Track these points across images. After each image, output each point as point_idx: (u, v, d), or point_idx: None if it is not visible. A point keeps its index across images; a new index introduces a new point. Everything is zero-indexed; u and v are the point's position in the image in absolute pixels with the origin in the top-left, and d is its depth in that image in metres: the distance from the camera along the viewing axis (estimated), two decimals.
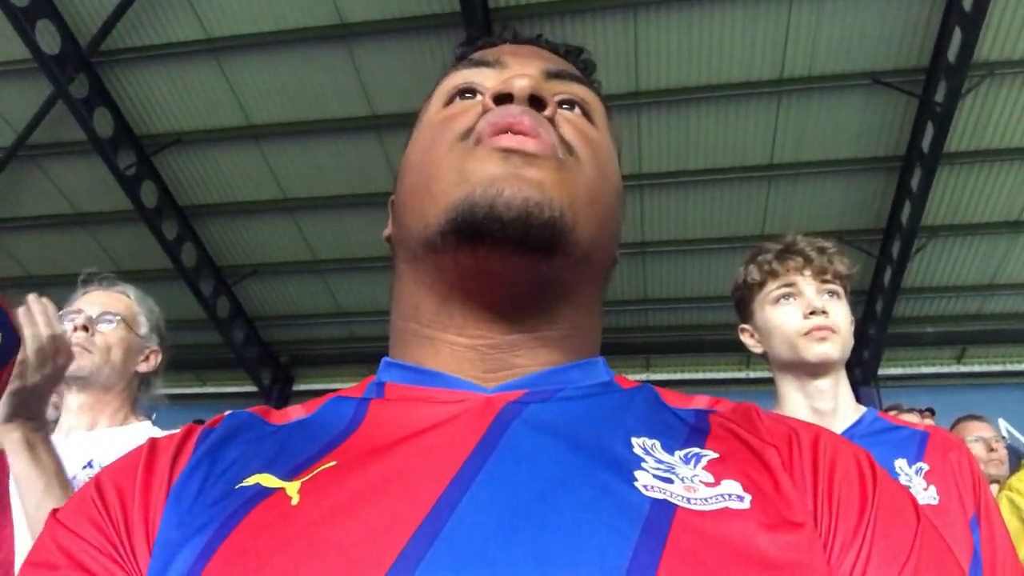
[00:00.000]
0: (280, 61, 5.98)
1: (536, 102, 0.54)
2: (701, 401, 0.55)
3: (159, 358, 1.64)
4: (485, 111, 0.54)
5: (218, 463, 0.48)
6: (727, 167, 6.28)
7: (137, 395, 1.60)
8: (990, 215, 6.63)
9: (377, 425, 0.49)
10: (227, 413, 0.55)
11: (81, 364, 1.41)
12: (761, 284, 1.42)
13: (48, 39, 5.64)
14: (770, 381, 1.44)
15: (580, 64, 0.65)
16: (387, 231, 0.64)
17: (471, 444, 0.45)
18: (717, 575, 0.37)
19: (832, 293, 1.38)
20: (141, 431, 1.50)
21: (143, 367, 1.59)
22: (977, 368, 8.08)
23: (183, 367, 8.86)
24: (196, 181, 7.09)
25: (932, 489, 1.22)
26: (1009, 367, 7.99)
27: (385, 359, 0.59)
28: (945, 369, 8.12)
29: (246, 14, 5.69)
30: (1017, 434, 7.43)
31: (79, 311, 1.52)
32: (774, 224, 6.80)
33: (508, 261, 0.49)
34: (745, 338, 1.47)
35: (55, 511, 0.49)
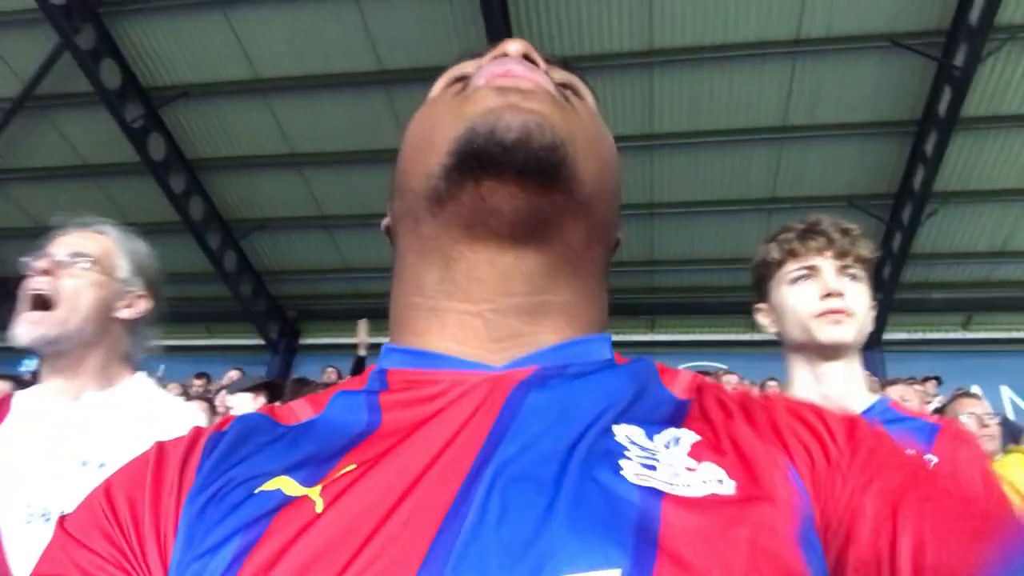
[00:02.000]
0: (288, 13, 5.90)
1: (529, 62, 0.55)
2: (685, 378, 0.54)
3: (147, 304, 1.40)
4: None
5: (233, 469, 0.47)
6: (739, 128, 6.20)
7: (126, 346, 1.38)
8: (1003, 182, 6.57)
9: (391, 421, 0.48)
10: (234, 417, 0.54)
11: (43, 333, 1.24)
12: (780, 263, 1.38)
13: None
14: (773, 343, 1.44)
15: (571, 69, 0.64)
16: (386, 221, 0.63)
17: (483, 433, 0.45)
18: (709, 563, 0.37)
19: (852, 276, 1.34)
20: (131, 388, 1.35)
21: (126, 314, 1.36)
22: (982, 335, 8.07)
23: (192, 319, 8.92)
24: (203, 134, 7.07)
25: None
26: (1014, 334, 7.98)
27: (385, 345, 0.57)
28: (950, 335, 8.13)
29: None
30: (1020, 401, 7.47)
31: (45, 254, 1.30)
32: (785, 187, 6.75)
33: (510, 191, 0.48)
34: (760, 317, 1.44)
35: (63, 520, 0.48)
